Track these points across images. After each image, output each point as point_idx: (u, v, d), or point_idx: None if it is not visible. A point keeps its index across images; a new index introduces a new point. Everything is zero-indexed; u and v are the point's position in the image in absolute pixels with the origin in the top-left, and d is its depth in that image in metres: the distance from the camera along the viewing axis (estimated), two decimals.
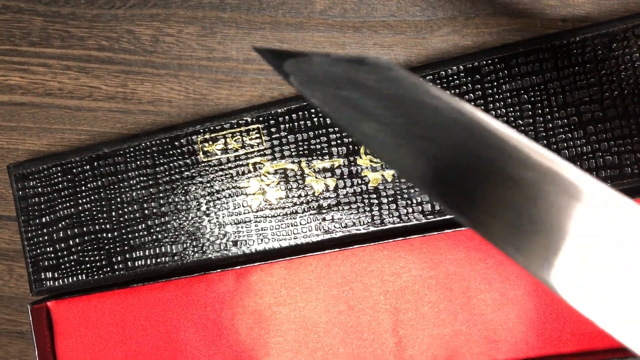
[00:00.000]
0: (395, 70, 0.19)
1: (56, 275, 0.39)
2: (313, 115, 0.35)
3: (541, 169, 0.17)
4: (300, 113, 0.36)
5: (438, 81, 0.33)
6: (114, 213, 0.38)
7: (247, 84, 0.39)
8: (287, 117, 0.36)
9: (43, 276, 0.40)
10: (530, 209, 0.17)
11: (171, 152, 0.37)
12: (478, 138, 0.18)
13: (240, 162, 0.36)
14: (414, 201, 0.34)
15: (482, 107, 0.33)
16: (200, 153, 0.37)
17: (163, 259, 0.38)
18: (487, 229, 0.17)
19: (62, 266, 0.39)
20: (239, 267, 0.37)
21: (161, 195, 0.38)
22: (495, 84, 0.33)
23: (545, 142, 0.32)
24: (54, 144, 0.42)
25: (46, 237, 0.40)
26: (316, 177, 0.35)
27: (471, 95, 0.33)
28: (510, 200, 0.17)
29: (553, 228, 0.17)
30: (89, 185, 0.39)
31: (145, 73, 0.41)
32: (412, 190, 0.34)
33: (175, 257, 0.37)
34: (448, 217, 0.34)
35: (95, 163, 0.39)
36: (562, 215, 0.17)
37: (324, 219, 0.36)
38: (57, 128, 0.42)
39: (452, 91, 0.33)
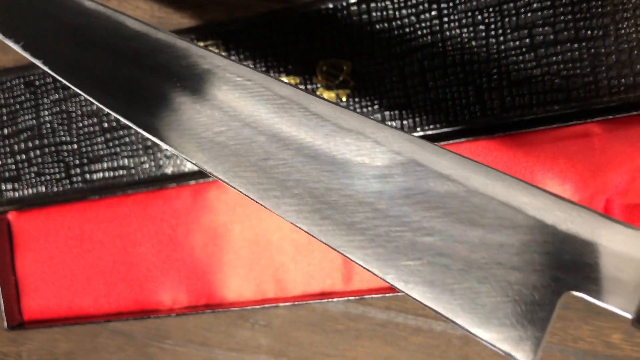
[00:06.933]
0: None
1: (16, 186, 0.40)
2: (273, 34, 0.36)
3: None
4: (260, 30, 0.36)
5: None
6: (74, 125, 0.39)
7: (212, 4, 0.39)
8: (248, 34, 0.36)
9: (3, 187, 0.40)
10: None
11: None
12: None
13: None
14: None
15: (437, 28, 0.33)
16: None
17: (120, 172, 0.38)
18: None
19: (22, 177, 0.40)
20: (193, 182, 0.38)
21: None
22: (452, 4, 0.33)
23: (496, 63, 0.32)
24: (20, 59, 0.42)
25: (7, 149, 0.40)
26: None
27: (427, 14, 0.33)
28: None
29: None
30: (50, 97, 0.39)
31: None
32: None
33: (132, 171, 0.38)
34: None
35: None
36: None
37: None
38: None
39: (409, 10, 0.33)
